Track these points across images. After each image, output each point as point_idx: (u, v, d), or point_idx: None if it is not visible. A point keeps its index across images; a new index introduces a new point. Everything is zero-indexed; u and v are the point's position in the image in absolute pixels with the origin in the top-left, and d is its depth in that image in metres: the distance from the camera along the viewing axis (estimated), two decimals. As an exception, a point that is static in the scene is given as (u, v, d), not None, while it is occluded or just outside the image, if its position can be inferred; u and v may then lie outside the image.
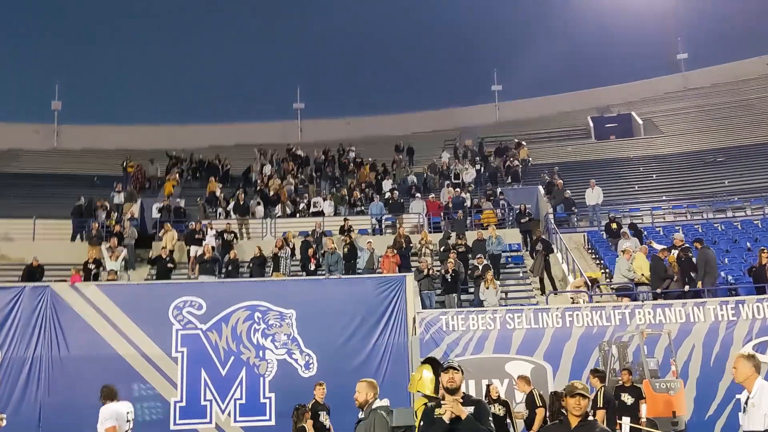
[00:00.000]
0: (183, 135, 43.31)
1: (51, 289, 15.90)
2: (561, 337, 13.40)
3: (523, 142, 36.03)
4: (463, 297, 17.91)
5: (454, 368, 5.54)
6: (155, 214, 24.22)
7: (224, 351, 15.52)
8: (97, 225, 20.60)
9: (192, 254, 20.10)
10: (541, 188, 26.68)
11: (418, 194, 25.73)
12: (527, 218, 21.55)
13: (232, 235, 21.32)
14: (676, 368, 12.36)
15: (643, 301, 14.57)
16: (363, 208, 25.65)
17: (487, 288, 15.81)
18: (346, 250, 19.04)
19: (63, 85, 45.74)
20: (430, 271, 17.11)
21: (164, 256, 19.15)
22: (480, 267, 17.16)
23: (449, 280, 16.98)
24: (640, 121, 41.56)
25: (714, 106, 43.09)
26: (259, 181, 29.14)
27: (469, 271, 18.19)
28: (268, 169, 31.94)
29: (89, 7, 67.34)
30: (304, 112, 49.83)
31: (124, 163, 32.35)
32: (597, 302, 15.10)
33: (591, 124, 42.71)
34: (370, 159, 34.59)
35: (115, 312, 15.86)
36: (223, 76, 71.52)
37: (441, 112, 51.20)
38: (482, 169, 31.39)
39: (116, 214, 23.74)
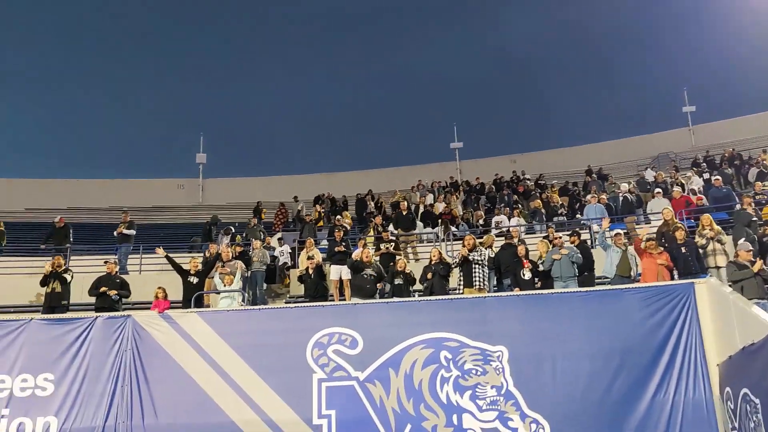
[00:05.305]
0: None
1: (133, 320, 10.55)
2: None
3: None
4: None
5: None
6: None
7: (395, 414, 9.83)
8: (216, 247, 14.75)
9: (335, 278, 13.94)
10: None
11: (658, 189, 18.52)
12: None
13: (392, 245, 14.81)
14: None
15: None
16: (565, 218, 18.91)
17: None
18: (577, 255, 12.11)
19: (208, 139, 42.91)
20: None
21: (311, 271, 13.07)
22: None
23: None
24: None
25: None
26: (421, 207, 23.27)
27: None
28: (430, 198, 26.32)
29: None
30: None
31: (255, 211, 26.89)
32: None
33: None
34: (555, 182, 28.29)
35: (228, 355, 10.36)
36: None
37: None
38: (711, 178, 23.75)
39: (242, 238, 18.19)
